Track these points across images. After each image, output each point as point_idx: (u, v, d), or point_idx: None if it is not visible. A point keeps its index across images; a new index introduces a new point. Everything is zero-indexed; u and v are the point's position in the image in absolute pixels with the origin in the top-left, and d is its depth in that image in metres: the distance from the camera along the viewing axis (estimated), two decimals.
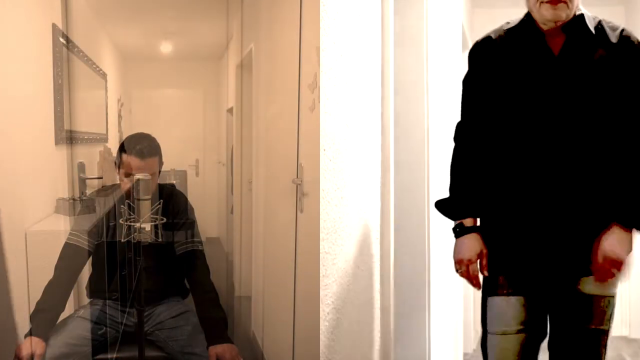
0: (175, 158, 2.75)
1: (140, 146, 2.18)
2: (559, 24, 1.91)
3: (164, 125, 2.86)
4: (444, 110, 3.30)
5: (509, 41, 2.00)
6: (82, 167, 2.36)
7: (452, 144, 2.15)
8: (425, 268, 2.89)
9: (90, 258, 2.24)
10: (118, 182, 2.27)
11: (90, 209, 2.26)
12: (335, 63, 1.97)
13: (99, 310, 2.21)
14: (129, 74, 3.11)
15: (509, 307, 1.97)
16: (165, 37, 3.14)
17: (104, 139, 2.71)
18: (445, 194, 2.17)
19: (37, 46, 2.23)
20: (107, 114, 2.78)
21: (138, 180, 1.97)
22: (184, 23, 3.11)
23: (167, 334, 2.22)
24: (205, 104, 3.29)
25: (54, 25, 2.24)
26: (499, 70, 1.99)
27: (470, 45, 4.42)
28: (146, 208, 1.98)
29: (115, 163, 2.26)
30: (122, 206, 2.19)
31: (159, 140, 2.28)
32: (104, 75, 2.79)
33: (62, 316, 2.12)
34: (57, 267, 2.11)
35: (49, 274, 2.09)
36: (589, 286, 1.94)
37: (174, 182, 2.73)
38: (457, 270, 2.07)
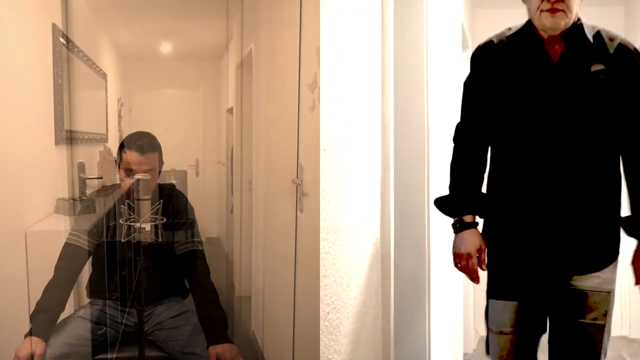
0: (175, 158, 2.75)
1: (141, 142, 2.19)
2: (558, 32, 1.95)
3: (164, 125, 2.86)
4: (444, 110, 3.30)
5: (510, 47, 2.05)
6: (82, 167, 2.36)
7: (452, 145, 2.19)
8: (425, 268, 2.89)
9: (90, 258, 2.24)
10: (118, 182, 2.27)
11: (90, 209, 2.26)
12: (335, 63, 1.97)
13: (99, 310, 2.21)
14: (129, 74, 3.11)
15: (505, 310, 2.06)
16: (165, 37, 3.14)
17: (104, 139, 2.71)
18: (445, 193, 2.20)
19: (37, 46, 2.23)
20: (107, 114, 2.79)
21: (138, 180, 1.97)
22: (184, 23, 3.11)
23: (167, 334, 2.22)
24: (205, 104, 3.29)
25: (54, 25, 2.24)
26: (499, 74, 2.04)
27: (470, 45, 4.43)
28: (146, 208, 1.98)
29: (115, 162, 2.26)
30: (122, 206, 2.19)
31: (159, 140, 2.29)
32: (104, 75, 2.79)
33: (62, 316, 2.12)
34: (57, 267, 2.11)
35: (49, 274, 2.09)
36: (582, 282, 1.99)
37: (174, 182, 2.73)
38: (455, 265, 2.13)
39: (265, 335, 2.93)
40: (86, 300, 2.29)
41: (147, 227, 1.98)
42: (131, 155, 2.16)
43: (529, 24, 2.02)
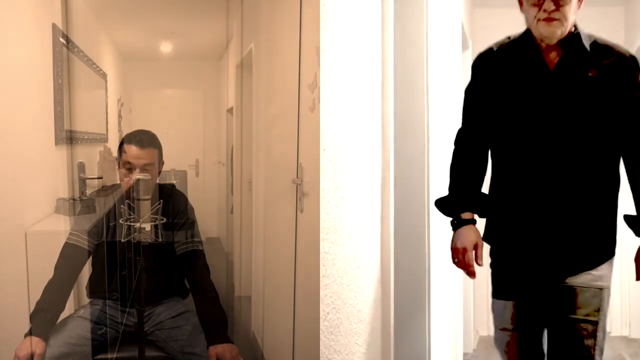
0: (175, 158, 2.76)
1: (141, 137, 2.21)
2: (555, 40, 2.00)
3: (164, 125, 2.86)
4: (444, 110, 3.30)
5: (508, 55, 2.10)
6: (82, 167, 2.36)
7: (453, 147, 2.25)
8: (425, 268, 2.89)
9: (90, 258, 2.24)
10: (118, 182, 2.27)
11: (90, 209, 2.26)
12: (335, 63, 1.97)
13: (99, 310, 2.21)
14: (129, 74, 3.11)
15: (505, 309, 2.15)
16: (165, 37, 3.15)
17: (104, 139, 2.71)
18: (444, 193, 2.24)
19: (37, 46, 2.23)
20: (107, 114, 2.79)
21: (138, 180, 1.97)
22: (184, 23, 3.11)
23: (167, 334, 2.22)
24: (205, 104, 3.30)
25: (54, 25, 2.25)
26: (498, 82, 2.10)
27: (470, 45, 4.43)
28: (146, 208, 1.98)
29: (116, 159, 2.27)
30: (122, 206, 2.19)
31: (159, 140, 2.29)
32: (104, 75, 2.79)
33: (62, 316, 2.12)
34: (57, 267, 2.11)
35: (49, 274, 2.09)
36: (573, 279, 2.04)
37: (174, 182, 2.73)
38: (453, 261, 2.18)
39: (265, 335, 2.93)
40: (86, 300, 2.29)
41: (147, 227, 1.98)
42: (130, 149, 2.17)
43: (527, 32, 2.07)
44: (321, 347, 1.86)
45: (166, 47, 3.19)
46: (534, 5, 1.97)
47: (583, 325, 2.01)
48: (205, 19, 3.13)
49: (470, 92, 2.20)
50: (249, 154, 3.12)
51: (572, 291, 2.02)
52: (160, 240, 2.16)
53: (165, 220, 2.20)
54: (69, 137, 2.31)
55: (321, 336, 1.86)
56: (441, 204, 2.22)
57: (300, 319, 2.23)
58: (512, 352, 2.14)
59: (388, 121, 2.44)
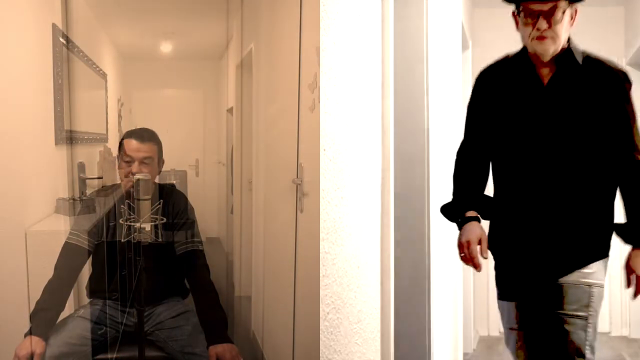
0: (175, 158, 2.76)
1: (141, 132, 2.24)
2: (548, 57, 2.09)
3: (164, 125, 2.86)
4: (444, 110, 3.30)
5: (506, 71, 2.21)
6: (82, 167, 2.36)
7: (455, 158, 2.36)
8: (425, 268, 2.89)
9: (90, 258, 2.24)
10: (118, 182, 2.27)
11: (90, 209, 2.26)
12: (335, 63, 1.97)
13: (99, 310, 2.21)
14: (129, 74, 3.11)
15: (509, 310, 2.21)
16: (165, 37, 3.15)
17: (104, 139, 2.71)
18: (444, 193, 2.26)
19: (37, 46, 2.23)
20: (107, 114, 2.79)
21: (138, 180, 1.97)
22: (184, 23, 3.11)
23: (167, 333, 2.22)
24: (205, 104, 3.30)
25: (54, 25, 2.25)
26: (496, 97, 2.21)
27: (470, 45, 4.43)
28: (146, 208, 1.98)
29: (117, 157, 2.27)
30: (122, 206, 2.19)
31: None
32: (104, 75, 2.79)
33: (62, 316, 2.12)
34: (57, 267, 2.11)
35: (49, 274, 2.09)
36: (565, 278, 2.09)
37: (174, 182, 2.73)
38: (460, 257, 2.25)
39: (265, 335, 2.93)
40: (86, 300, 2.29)
41: (147, 227, 1.98)
42: (130, 143, 2.19)
43: (523, 50, 2.16)
44: (321, 347, 1.86)
45: (166, 47, 3.19)
46: (528, 24, 2.06)
47: (571, 320, 2.05)
48: (205, 19, 3.13)
49: (471, 107, 2.32)
50: (249, 154, 3.12)
51: (562, 288, 2.08)
52: (160, 240, 2.16)
53: (165, 220, 2.21)
54: (69, 137, 2.31)
55: (321, 336, 1.86)
56: (446, 209, 2.31)
57: (300, 319, 2.23)
58: (521, 349, 2.18)
59: (388, 121, 2.44)
